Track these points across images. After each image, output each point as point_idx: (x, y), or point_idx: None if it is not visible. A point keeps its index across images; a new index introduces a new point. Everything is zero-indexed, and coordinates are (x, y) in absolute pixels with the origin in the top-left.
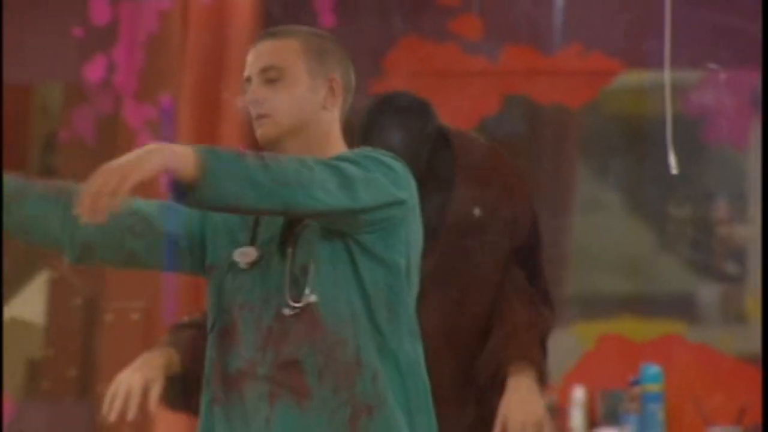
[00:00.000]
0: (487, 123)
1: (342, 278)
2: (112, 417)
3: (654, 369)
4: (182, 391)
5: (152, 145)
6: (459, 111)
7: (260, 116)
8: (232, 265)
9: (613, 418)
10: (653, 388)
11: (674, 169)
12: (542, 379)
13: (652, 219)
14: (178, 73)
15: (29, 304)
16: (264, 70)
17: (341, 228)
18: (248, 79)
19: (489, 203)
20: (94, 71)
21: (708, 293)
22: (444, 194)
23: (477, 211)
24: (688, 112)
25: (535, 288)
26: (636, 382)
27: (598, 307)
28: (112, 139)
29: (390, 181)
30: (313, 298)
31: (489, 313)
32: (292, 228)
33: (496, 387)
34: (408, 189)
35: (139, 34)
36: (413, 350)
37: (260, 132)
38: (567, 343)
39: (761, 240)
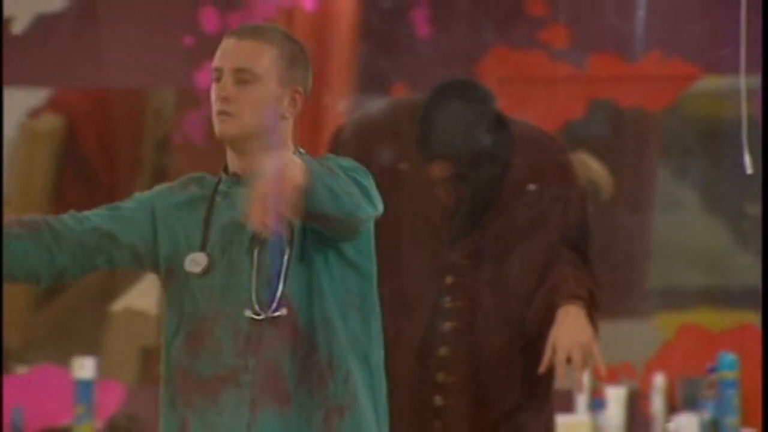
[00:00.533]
0: (573, 126)
1: (315, 284)
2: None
3: (730, 357)
4: None
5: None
6: (546, 114)
7: (223, 113)
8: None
9: (691, 403)
10: (729, 375)
11: (749, 169)
12: (591, 316)
13: (727, 216)
14: None
15: (144, 295)
16: (238, 70)
17: (337, 235)
18: (218, 70)
19: (543, 182)
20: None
21: None
22: (500, 170)
23: (531, 186)
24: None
25: (587, 269)
26: (713, 370)
27: (677, 299)
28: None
29: (375, 190)
30: (285, 308)
31: (538, 284)
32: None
33: (545, 334)
34: (378, 198)
35: None
36: (379, 354)
37: (220, 128)
38: (648, 333)
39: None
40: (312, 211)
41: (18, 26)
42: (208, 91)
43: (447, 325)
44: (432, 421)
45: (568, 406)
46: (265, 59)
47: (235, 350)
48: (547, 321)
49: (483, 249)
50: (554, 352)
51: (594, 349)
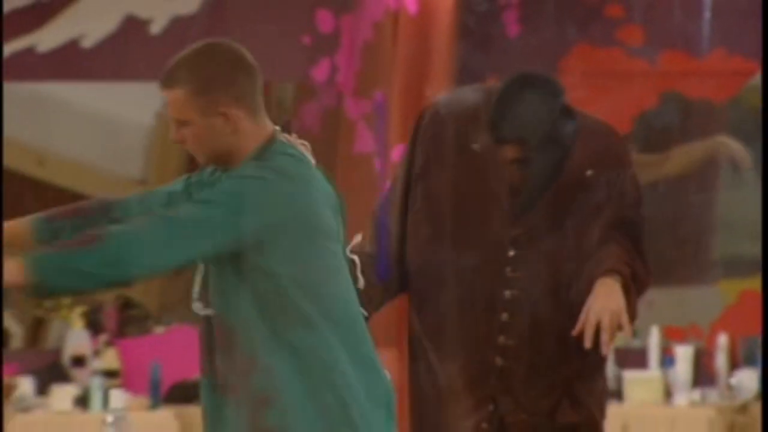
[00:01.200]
0: (647, 116)
1: (231, 287)
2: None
3: None
4: None
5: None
6: (623, 105)
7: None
8: None
9: (751, 360)
10: None
11: None
12: (628, 293)
13: None
14: (389, 74)
15: None
16: (172, 118)
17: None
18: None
19: (601, 169)
20: (319, 72)
21: None
22: (562, 155)
23: (589, 172)
24: None
25: (638, 252)
26: None
27: (738, 268)
28: (335, 130)
29: (243, 212)
30: (210, 309)
31: (587, 261)
32: None
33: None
34: (276, 208)
35: (357, 41)
36: (309, 337)
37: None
38: (713, 298)
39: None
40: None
41: (156, 27)
42: (323, 84)
43: (508, 293)
44: (492, 379)
45: (643, 362)
46: (179, 106)
47: (201, 348)
48: (587, 292)
49: (542, 226)
50: (587, 316)
51: (623, 316)
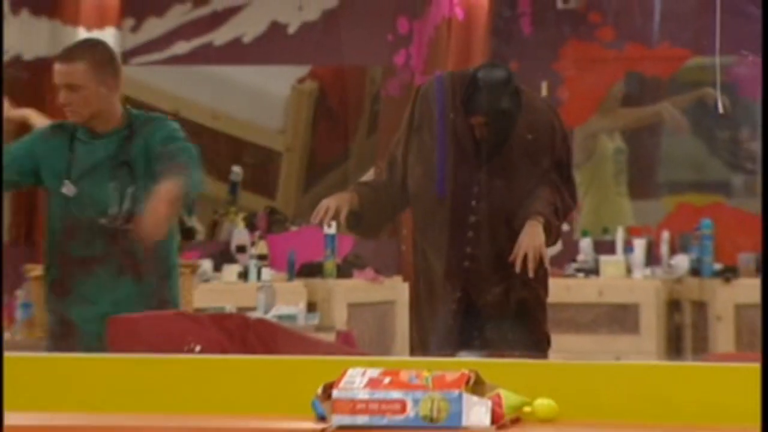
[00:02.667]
0: (616, 87)
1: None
2: (316, 220)
3: (707, 221)
4: (356, 221)
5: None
6: (600, 81)
7: (66, 106)
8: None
9: (685, 249)
10: (707, 232)
11: (721, 109)
12: (548, 229)
13: (706, 140)
14: (445, 59)
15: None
16: (66, 85)
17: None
18: (57, 85)
19: (537, 132)
20: (399, 59)
21: (739, 179)
22: (512, 122)
23: (529, 136)
24: None
25: (566, 186)
26: (698, 229)
27: (676, 188)
28: (409, 96)
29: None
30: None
31: (528, 196)
32: None
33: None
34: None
35: (424, 38)
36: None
37: (69, 116)
38: (660, 208)
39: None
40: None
41: (291, 29)
42: (401, 66)
43: (473, 218)
44: (462, 276)
45: (612, 250)
46: (78, 74)
47: (103, 242)
48: (521, 227)
49: (497, 172)
50: (517, 250)
51: (543, 250)
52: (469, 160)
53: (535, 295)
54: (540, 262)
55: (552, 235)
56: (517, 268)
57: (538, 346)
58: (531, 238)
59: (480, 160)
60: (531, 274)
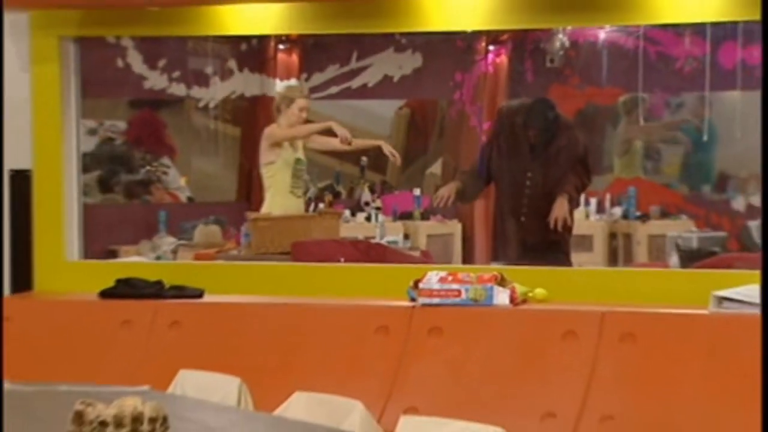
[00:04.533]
0: (580, 112)
1: None
2: (440, 204)
3: (632, 188)
4: (460, 197)
5: None
6: (572, 108)
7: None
8: None
9: (619, 203)
10: (631, 194)
11: None
12: (570, 201)
13: None
14: (482, 97)
15: None
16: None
17: None
18: None
19: (569, 140)
20: (456, 96)
21: (649, 165)
22: (552, 135)
23: (563, 142)
24: None
25: (585, 174)
26: (626, 192)
27: (612, 169)
28: (463, 116)
29: None
30: None
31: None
32: None
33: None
34: None
35: (471, 83)
36: None
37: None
38: (606, 180)
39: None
40: None
41: (395, 79)
42: (458, 100)
43: (527, 191)
44: (520, 217)
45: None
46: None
47: None
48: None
49: (543, 163)
50: (552, 216)
51: (567, 216)
52: (526, 157)
53: (563, 236)
54: (564, 222)
55: (573, 204)
56: (551, 226)
57: (563, 262)
58: (560, 209)
59: (533, 156)
60: (559, 229)
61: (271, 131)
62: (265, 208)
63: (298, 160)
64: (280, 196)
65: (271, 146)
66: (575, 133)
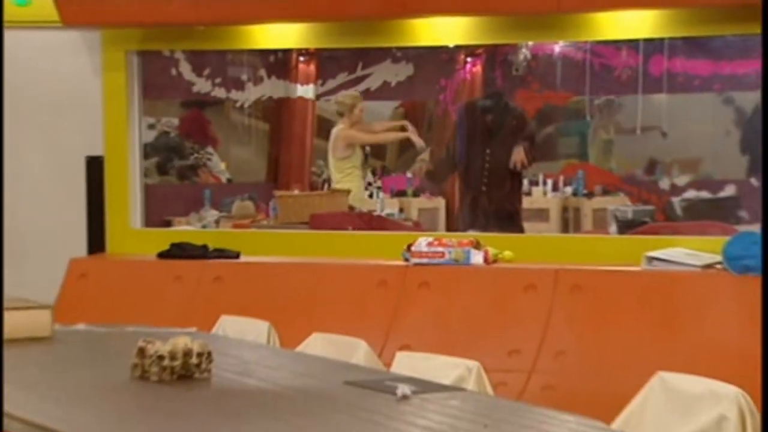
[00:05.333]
0: (540, 111)
1: None
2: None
3: (581, 171)
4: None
5: None
6: (532, 109)
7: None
8: None
9: (570, 183)
10: (580, 176)
11: None
12: (525, 152)
13: None
14: (462, 98)
15: None
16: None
17: None
18: None
19: (518, 122)
20: (441, 97)
21: (592, 153)
22: (504, 120)
23: (514, 123)
24: None
25: (532, 145)
26: (576, 174)
27: (567, 156)
28: (446, 112)
29: None
30: None
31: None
32: None
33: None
34: None
35: (453, 88)
36: None
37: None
38: (559, 165)
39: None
40: None
41: (392, 84)
42: (442, 101)
43: (487, 165)
44: (481, 186)
45: (538, 184)
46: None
47: None
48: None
49: (498, 142)
50: (513, 160)
51: (524, 159)
52: (485, 138)
53: (517, 207)
54: (522, 164)
55: (527, 157)
56: (511, 166)
57: (518, 227)
58: (518, 154)
59: (490, 137)
60: (519, 169)
61: (348, 134)
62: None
63: (366, 156)
64: (354, 185)
65: (347, 145)
66: (524, 116)
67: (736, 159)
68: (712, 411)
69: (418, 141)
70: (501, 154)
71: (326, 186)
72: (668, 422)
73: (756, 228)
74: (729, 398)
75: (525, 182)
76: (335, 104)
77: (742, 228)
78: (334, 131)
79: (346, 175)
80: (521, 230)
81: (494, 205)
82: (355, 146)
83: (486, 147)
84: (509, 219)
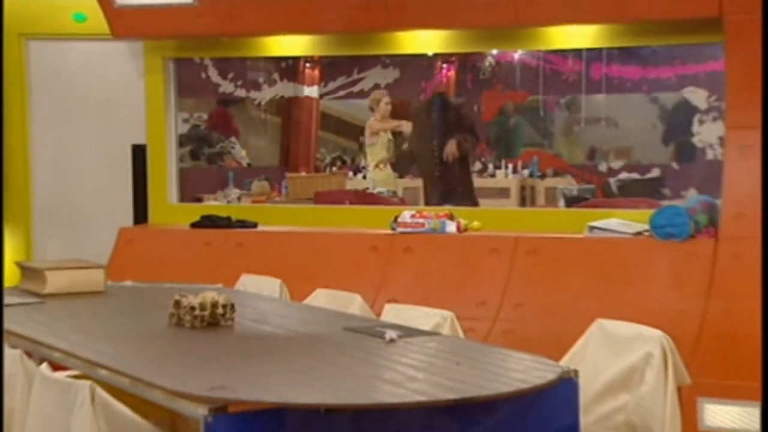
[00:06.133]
0: (502, 109)
1: None
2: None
3: (536, 157)
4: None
5: None
6: (496, 107)
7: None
8: None
9: (527, 167)
10: (535, 160)
11: None
12: (460, 147)
13: None
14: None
15: None
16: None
17: None
18: None
19: (460, 118)
20: (422, 96)
21: (546, 142)
22: (450, 116)
23: (455, 118)
24: None
25: (474, 136)
26: (531, 160)
27: (525, 145)
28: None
29: None
30: None
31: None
32: None
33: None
34: None
35: (431, 88)
36: None
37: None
38: (517, 152)
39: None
40: None
41: (382, 85)
42: (424, 98)
43: (436, 154)
44: (435, 169)
45: (500, 167)
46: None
47: None
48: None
49: (445, 133)
50: (446, 151)
51: (455, 151)
52: (432, 132)
53: (468, 186)
54: (453, 156)
55: (459, 150)
56: (444, 158)
57: (473, 202)
58: (450, 147)
59: (436, 130)
60: (451, 161)
61: (370, 124)
62: (369, 176)
63: (389, 140)
64: (378, 167)
65: (372, 134)
66: (465, 111)
67: (660, 147)
68: (640, 350)
69: (406, 126)
70: (445, 144)
71: (329, 169)
72: (605, 359)
73: (676, 202)
74: (654, 339)
75: (490, 166)
76: (369, 101)
77: (665, 203)
78: (367, 123)
79: (375, 159)
80: (476, 205)
81: (448, 187)
82: (379, 134)
83: (433, 139)
84: (464, 196)
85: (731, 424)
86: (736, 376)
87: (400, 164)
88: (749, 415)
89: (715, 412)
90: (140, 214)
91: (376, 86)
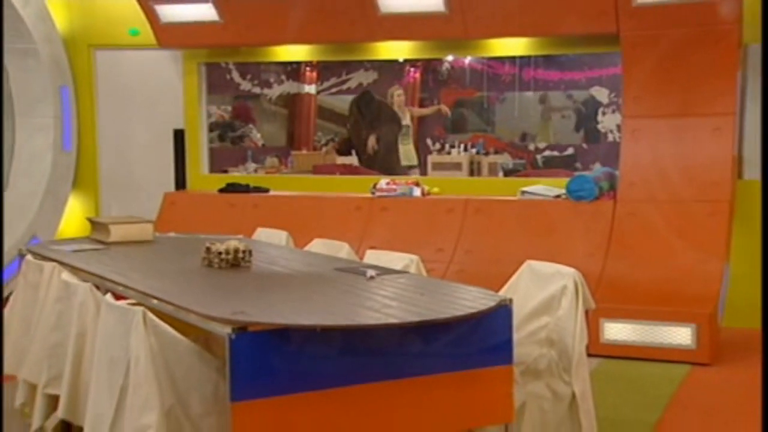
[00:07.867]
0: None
1: None
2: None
3: (481, 140)
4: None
5: None
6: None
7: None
8: None
9: (475, 147)
10: (480, 141)
11: None
12: (378, 141)
13: None
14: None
15: None
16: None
17: None
18: None
19: (384, 113)
20: (402, 82)
21: (490, 128)
22: (375, 110)
23: (381, 114)
24: None
25: (399, 126)
26: (479, 140)
27: (474, 130)
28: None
29: None
30: None
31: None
32: None
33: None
34: None
35: (403, 84)
36: None
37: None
38: (465, 137)
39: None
40: None
41: (364, 84)
42: (403, 84)
43: (369, 143)
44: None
45: (456, 147)
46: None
47: None
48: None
49: (372, 127)
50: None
51: (375, 146)
52: (362, 125)
53: (392, 166)
54: (373, 148)
55: (378, 144)
56: (369, 151)
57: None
58: (371, 140)
59: (365, 123)
60: (373, 153)
61: (412, 110)
62: (402, 152)
63: (408, 126)
64: (404, 148)
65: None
66: (389, 108)
67: (573, 133)
68: (558, 283)
69: (444, 110)
70: (372, 135)
71: (324, 149)
72: (532, 290)
73: (586, 173)
74: (569, 275)
75: (447, 146)
76: (388, 95)
77: (577, 173)
78: (407, 109)
79: (405, 141)
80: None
81: (384, 167)
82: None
83: (362, 129)
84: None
85: (624, 337)
86: (628, 302)
87: (341, 150)
88: (636, 330)
89: (612, 329)
90: (180, 182)
91: (360, 85)
